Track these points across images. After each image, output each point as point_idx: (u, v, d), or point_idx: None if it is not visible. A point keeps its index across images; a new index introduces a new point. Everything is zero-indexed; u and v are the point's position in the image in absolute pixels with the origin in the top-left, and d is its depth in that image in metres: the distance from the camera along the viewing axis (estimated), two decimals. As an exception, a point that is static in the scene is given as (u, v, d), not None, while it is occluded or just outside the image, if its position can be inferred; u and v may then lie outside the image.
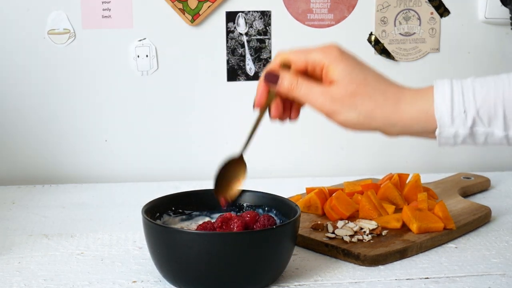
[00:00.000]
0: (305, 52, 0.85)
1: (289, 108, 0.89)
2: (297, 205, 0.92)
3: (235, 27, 1.38)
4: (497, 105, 0.78)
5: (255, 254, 0.84)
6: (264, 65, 1.40)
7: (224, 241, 0.83)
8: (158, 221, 0.92)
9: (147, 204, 0.92)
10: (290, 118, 0.89)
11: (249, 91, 1.41)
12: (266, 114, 0.88)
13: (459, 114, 0.78)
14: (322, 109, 0.82)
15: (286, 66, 0.85)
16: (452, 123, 0.79)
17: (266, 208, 0.97)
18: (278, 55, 0.87)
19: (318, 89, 0.83)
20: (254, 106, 0.88)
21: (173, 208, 0.96)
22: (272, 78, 0.85)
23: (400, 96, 0.81)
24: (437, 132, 0.80)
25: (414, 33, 1.43)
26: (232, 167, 0.92)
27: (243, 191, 0.98)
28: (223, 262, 0.83)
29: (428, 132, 0.81)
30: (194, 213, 0.97)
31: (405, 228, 1.04)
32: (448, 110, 0.79)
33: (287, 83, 0.84)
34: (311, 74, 0.85)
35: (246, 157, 0.92)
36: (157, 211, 0.94)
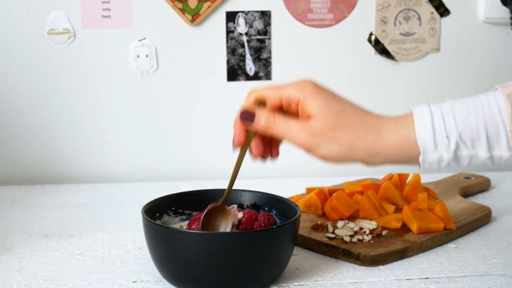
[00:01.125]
0: (278, 88, 0.84)
1: (269, 145, 0.88)
2: (297, 205, 0.92)
3: (235, 27, 1.38)
4: (479, 127, 0.78)
5: (255, 254, 0.84)
6: (264, 65, 1.40)
7: (224, 241, 0.83)
8: (158, 221, 0.92)
9: (147, 204, 0.92)
10: (271, 156, 0.89)
11: (249, 91, 1.41)
12: (247, 154, 0.88)
13: (442, 139, 0.78)
14: (303, 144, 0.82)
15: (261, 103, 0.84)
16: (436, 149, 0.78)
17: (266, 208, 0.97)
18: (251, 92, 0.86)
19: (296, 124, 0.82)
20: (233, 146, 0.88)
21: (173, 208, 0.96)
22: (248, 117, 0.84)
23: (381, 125, 0.81)
24: (420, 159, 0.79)
25: (414, 33, 1.43)
26: (216, 216, 0.90)
27: (243, 191, 0.98)
28: (222, 262, 0.83)
29: (411, 158, 0.80)
30: (194, 213, 0.97)
31: (405, 228, 1.04)
32: (430, 136, 0.78)
33: (264, 120, 0.83)
34: (286, 110, 0.84)
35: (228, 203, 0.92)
36: (157, 211, 0.94)
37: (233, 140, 0.88)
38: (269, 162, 0.91)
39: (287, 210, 0.93)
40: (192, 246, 0.83)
